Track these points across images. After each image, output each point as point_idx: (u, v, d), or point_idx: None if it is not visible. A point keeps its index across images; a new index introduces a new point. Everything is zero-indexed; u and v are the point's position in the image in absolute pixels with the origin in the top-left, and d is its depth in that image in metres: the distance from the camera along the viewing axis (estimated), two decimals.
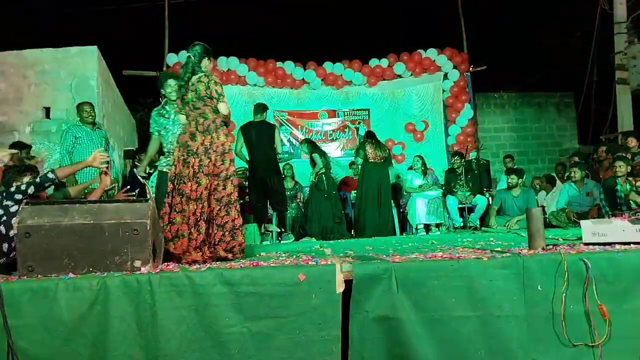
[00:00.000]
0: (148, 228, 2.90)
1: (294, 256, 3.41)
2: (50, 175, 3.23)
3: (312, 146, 7.02)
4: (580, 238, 3.32)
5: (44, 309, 2.56)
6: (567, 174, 7.54)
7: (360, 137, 8.72)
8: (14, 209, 3.10)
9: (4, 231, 3.08)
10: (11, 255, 3.05)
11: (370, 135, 7.10)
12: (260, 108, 6.13)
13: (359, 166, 7.07)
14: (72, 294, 2.58)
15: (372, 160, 6.77)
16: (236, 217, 3.48)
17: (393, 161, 9.24)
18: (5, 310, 2.51)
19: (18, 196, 3.14)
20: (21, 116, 6.96)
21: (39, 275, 2.76)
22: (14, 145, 5.81)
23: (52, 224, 2.84)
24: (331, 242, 5.36)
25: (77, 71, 7.09)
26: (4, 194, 3.17)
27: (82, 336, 2.55)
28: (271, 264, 2.94)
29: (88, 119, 5.48)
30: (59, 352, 2.53)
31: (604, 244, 3.06)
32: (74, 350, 2.54)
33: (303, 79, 9.17)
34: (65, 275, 2.73)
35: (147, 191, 6.50)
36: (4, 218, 3.09)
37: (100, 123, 5.84)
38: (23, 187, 3.18)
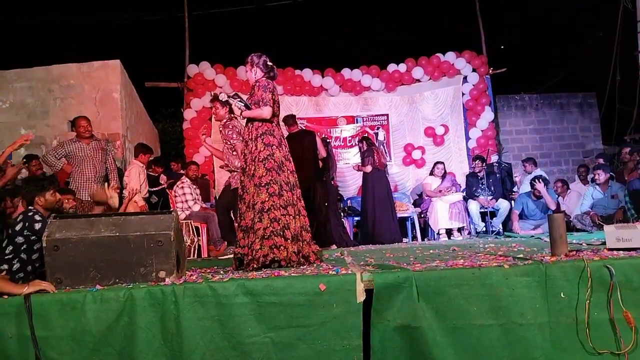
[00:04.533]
0: (172, 239, 2.97)
1: (314, 265, 3.44)
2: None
3: None
4: (605, 242, 3.27)
5: (72, 320, 2.63)
6: (590, 176, 7.41)
7: (379, 143, 8.68)
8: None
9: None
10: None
11: (371, 142, 7.08)
12: (292, 119, 6.29)
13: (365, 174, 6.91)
14: (99, 305, 2.65)
15: (378, 167, 6.73)
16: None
17: (412, 165, 9.25)
18: (35, 322, 2.59)
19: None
20: (48, 130, 7.17)
21: (67, 287, 2.84)
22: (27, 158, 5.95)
23: (79, 236, 2.92)
24: (352, 249, 5.37)
25: (101, 85, 7.28)
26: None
27: (109, 347, 2.62)
28: (292, 274, 2.98)
29: (85, 134, 5.35)
30: None
31: (629, 250, 3.02)
32: None
33: (321, 85, 9.20)
34: (92, 287, 2.81)
35: (170, 201, 6.61)
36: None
37: (96, 134, 5.79)
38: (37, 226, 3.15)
